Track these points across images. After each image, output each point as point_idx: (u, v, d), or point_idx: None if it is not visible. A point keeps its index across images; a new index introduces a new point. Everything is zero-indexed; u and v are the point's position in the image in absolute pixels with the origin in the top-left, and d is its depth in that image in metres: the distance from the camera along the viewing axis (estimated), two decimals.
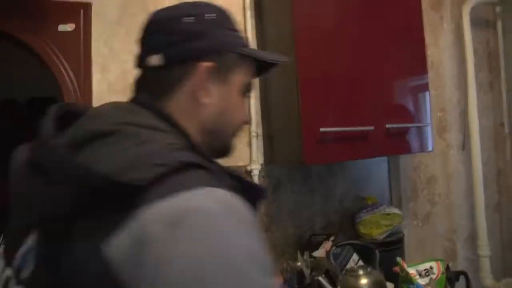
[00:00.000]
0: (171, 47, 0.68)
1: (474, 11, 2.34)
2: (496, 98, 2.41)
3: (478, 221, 2.23)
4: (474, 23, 2.38)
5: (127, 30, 1.57)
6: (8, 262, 0.55)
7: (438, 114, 2.24)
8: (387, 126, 1.61)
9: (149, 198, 0.46)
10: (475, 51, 2.39)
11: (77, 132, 0.58)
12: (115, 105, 0.66)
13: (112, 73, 1.55)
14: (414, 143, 1.79)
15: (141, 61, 0.71)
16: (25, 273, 0.51)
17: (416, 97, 1.80)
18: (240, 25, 1.69)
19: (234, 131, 0.76)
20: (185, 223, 0.44)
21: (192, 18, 0.69)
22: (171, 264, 0.42)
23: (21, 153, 0.62)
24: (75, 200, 0.49)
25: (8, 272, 0.54)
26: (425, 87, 1.81)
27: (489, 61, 2.45)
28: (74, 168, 0.49)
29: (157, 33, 0.70)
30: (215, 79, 0.69)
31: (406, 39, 1.75)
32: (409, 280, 1.55)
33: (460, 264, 2.28)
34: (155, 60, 0.68)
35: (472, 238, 2.28)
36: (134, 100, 0.68)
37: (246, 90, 0.76)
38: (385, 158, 2.07)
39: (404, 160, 2.11)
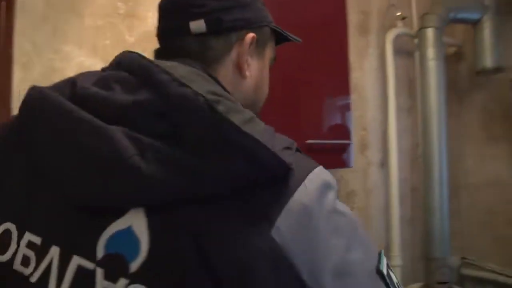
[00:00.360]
0: (219, 13, 0.63)
1: (396, 40, 2.50)
2: (414, 121, 2.57)
3: (393, 233, 2.37)
4: (397, 51, 2.55)
5: (54, 26, 1.52)
6: (83, 253, 0.44)
7: (361, 133, 2.36)
8: (308, 142, 1.66)
9: (298, 179, 0.46)
10: (397, 77, 2.55)
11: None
12: (186, 69, 0.55)
13: (36, 72, 1.49)
14: (336, 159, 1.86)
15: (178, 28, 0.64)
16: (134, 267, 0.42)
17: (339, 116, 1.88)
18: None
19: (261, 106, 0.76)
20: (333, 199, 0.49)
21: None
22: (334, 235, 0.46)
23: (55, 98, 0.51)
24: (231, 178, 0.43)
25: (87, 263, 0.44)
26: (347, 107, 1.91)
27: (409, 87, 2.62)
28: (242, 136, 0.42)
29: None
30: (254, 52, 0.68)
31: (332, 62, 1.83)
32: None
33: None
34: (200, 26, 0.63)
35: (388, 249, 2.40)
36: (186, 63, 0.58)
37: (271, 65, 0.76)
38: None
39: None
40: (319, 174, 0.49)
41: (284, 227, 0.43)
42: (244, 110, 0.47)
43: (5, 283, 0.48)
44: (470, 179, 3.10)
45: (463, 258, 3.02)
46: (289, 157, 0.46)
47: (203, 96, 0.44)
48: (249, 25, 0.67)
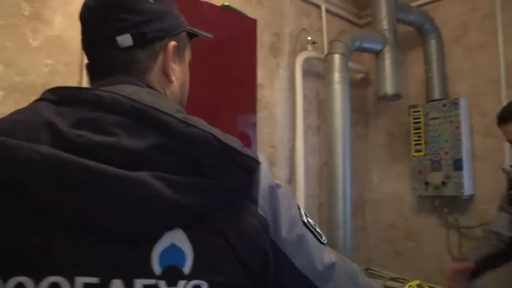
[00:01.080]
0: (141, 27, 0.67)
1: (307, 63, 2.60)
2: (322, 140, 2.67)
3: None
4: (308, 73, 2.65)
5: None
6: (142, 275, 0.54)
7: (269, 150, 2.40)
8: None
9: (259, 169, 0.63)
10: (306, 97, 2.65)
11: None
12: (140, 89, 0.64)
13: None
14: None
15: (105, 42, 0.67)
16: (186, 270, 0.55)
17: (246, 133, 1.90)
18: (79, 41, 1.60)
19: (185, 103, 0.82)
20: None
21: None
22: (283, 204, 0.64)
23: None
24: (238, 187, 0.59)
25: (148, 281, 0.54)
26: (254, 125, 1.93)
27: (318, 107, 2.73)
28: (240, 156, 0.58)
29: (126, 13, 0.67)
30: (176, 57, 0.74)
31: (241, 81, 1.86)
32: None
33: None
34: (126, 40, 0.66)
35: None
36: (129, 82, 0.65)
37: (189, 64, 0.82)
38: None
39: None
40: (262, 158, 0.65)
41: (262, 202, 0.61)
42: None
43: None
44: (375, 195, 3.28)
45: (367, 269, 3.18)
46: (251, 152, 0.61)
47: (209, 133, 0.56)
48: (169, 34, 0.72)
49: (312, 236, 0.68)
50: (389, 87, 2.61)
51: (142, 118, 0.55)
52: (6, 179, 0.52)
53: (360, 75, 3.19)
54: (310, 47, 2.56)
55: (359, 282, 0.74)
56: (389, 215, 3.19)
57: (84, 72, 1.66)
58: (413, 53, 3.08)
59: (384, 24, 2.64)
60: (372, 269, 3.20)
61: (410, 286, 1.61)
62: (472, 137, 2.77)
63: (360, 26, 3.26)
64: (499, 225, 1.79)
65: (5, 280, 0.51)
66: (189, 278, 0.56)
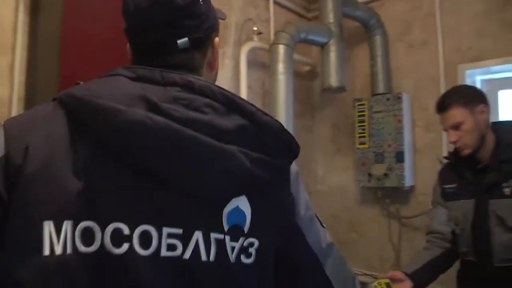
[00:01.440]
0: (197, 30, 0.75)
1: (252, 53, 2.58)
2: None
3: None
4: (253, 63, 2.63)
5: None
6: (216, 230, 0.66)
7: None
8: None
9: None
10: (251, 88, 2.63)
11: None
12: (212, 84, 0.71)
13: None
14: None
15: (167, 45, 0.73)
16: (245, 229, 0.69)
17: None
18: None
19: None
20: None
21: None
22: (301, 188, 0.80)
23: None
24: (289, 167, 0.77)
25: (219, 236, 0.67)
26: None
27: (263, 98, 2.72)
28: (295, 143, 0.73)
29: (185, 18, 0.73)
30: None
31: None
32: None
33: None
34: (185, 43, 0.73)
35: None
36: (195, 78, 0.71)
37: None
38: None
39: None
40: None
41: (292, 183, 0.77)
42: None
43: (152, 268, 0.61)
44: (319, 187, 3.32)
45: None
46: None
47: (278, 122, 0.70)
48: (214, 30, 0.80)
49: (317, 219, 0.83)
50: (333, 80, 2.64)
51: (230, 103, 0.67)
52: (118, 140, 0.61)
53: (307, 68, 3.21)
54: (255, 38, 2.55)
55: (347, 262, 0.88)
56: (334, 206, 3.24)
57: (18, 51, 1.58)
58: (359, 48, 3.14)
59: (330, 17, 2.67)
60: None
61: (379, 282, 1.62)
62: (413, 130, 2.86)
63: (309, 19, 3.27)
64: (439, 222, 1.82)
65: (105, 226, 0.60)
66: (246, 235, 0.68)
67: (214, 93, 0.66)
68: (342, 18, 2.74)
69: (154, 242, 0.61)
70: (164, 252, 0.62)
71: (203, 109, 0.65)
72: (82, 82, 0.68)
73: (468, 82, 2.62)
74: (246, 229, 0.68)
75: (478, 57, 2.63)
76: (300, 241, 0.77)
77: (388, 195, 2.91)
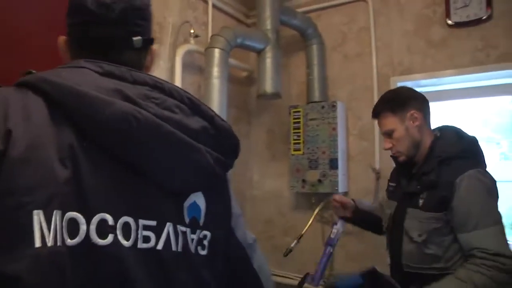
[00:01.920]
0: (148, 32, 0.81)
1: (189, 56, 2.54)
2: None
3: None
4: (189, 66, 2.59)
5: None
6: (180, 223, 0.73)
7: None
8: None
9: None
10: (187, 91, 2.58)
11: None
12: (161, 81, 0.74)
13: None
14: None
15: (123, 41, 0.76)
16: (201, 222, 0.77)
17: None
18: None
19: None
20: None
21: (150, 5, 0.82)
22: (231, 186, 0.89)
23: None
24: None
25: (183, 228, 0.73)
26: None
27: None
28: (238, 143, 0.83)
29: (142, 19, 0.79)
30: None
31: None
32: None
33: None
34: (139, 42, 0.77)
35: None
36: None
37: None
38: None
39: None
40: None
41: (229, 181, 0.84)
42: None
43: (133, 259, 0.63)
44: (254, 192, 3.31)
45: None
46: None
47: (230, 126, 0.78)
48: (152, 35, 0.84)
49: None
50: (268, 86, 2.65)
51: (194, 106, 0.73)
52: (105, 130, 0.62)
53: (244, 73, 3.22)
54: (192, 40, 2.51)
55: (264, 259, 0.93)
56: (268, 211, 3.25)
57: None
58: (296, 56, 3.18)
59: (268, 24, 2.68)
60: None
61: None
62: (347, 138, 2.92)
63: (247, 25, 3.28)
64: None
65: (91, 217, 0.60)
66: (201, 228, 0.74)
67: (181, 96, 0.72)
68: (279, 26, 2.76)
69: (133, 234, 0.63)
70: (140, 244, 0.64)
71: (173, 109, 0.69)
72: (34, 71, 0.67)
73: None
74: (201, 222, 0.74)
75: (408, 71, 2.75)
76: (232, 235, 0.83)
77: (322, 201, 2.93)
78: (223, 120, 0.77)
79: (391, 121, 1.65)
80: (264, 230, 3.24)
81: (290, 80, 3.19)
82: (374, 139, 2.82)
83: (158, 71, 2.38)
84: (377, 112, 1.72)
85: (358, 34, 2.95)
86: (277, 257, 3.16)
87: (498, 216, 1.45)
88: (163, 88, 0.71)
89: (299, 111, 2.90)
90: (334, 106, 2.77)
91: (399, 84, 2.72)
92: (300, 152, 2.88)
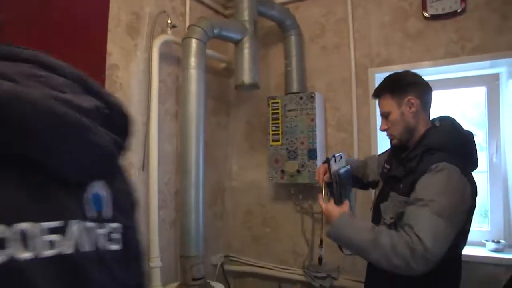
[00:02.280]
0: None
1: (166, 46, 2.53)
2: (180, 126, 2.62)
3: (152, 236, 2.35)
4: (167, 57, 2.58)
5: None
6: (85, 218, 0.62)
7: None
8: None
9: None
10: (165, 82, 2.58)
11: None
12: None
13: None
14: None
15: None
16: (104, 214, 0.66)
17: None
18: None
19: None
20: None
21: None
22: None
23: None
24: None
25: (91, 224, 0.62)
26: None
27: (177, 93, 2.67)
28: (131, 123, 0.73)
29: None
30: None
31: (89, 59, 1.71)
32: None
33: None
34: None
35: (148, 251, 2.37)
36: None
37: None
38: None
39: None
40: None
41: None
42: None
43: (37, 273, 0.52)
44: (234, 183, 3.32)
45: (226, 255, 3.21)
46: None
47: (124, 105, 0.69)
48: None
49: None
50: (246, 77, 2.65)
51: (84, 84, 0.64)
52: None
53: (222, 65, 3.21)
54: (169, 31, 2.49)
55: None
56: (248, 202, 3.27)
57: None
58: (275, 48, 3.19)
59: (245, 15, 2.67)
60: (231, 256, 3.25)
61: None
62: (326, 129, 2.95)
63: (225, 16, 3.28)
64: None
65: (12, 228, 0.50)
66: (109, 221, 0.65)
67: (70, 73, 0.63)
68: (257, 16, 2.75)
69: (33, 242, 0.52)
70: (45, 252, 0.53)
71: (62, 88, 0.59)
72: None
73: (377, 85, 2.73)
74: (107, 214, 0.65)
75: (386, 62, 2.78)
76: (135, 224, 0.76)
77: (301, 191, 2.98)
78: (114, 97, 0.69)
79: (389, 104, 1.68)
80: (244, 221, 3.27)
81: (269, 71, 3.19)
82: (352, 130, 2.85)
83: (135, 62, 2.35)
84: (378, 93, 1.75)
85: (336, 25, 2.96)
86: (256, 247, 3.19)
87: (449, 215, 1.41)
88: (47, 64, 0.61)
89: (277, 102, 2.91)
90: (312, 97, 2.79)
91: (377, 76, 2.78)
92: (279, 143, 2.89)
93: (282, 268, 3.05)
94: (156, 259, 2.35)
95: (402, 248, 1.36)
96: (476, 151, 1.64)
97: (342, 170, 1.78)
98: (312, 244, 2.97)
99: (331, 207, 1.63)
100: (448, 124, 1.66)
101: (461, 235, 1.52)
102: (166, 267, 2.51)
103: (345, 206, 1.64)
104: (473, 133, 1.66)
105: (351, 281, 2.76)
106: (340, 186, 1.70)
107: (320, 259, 2.08)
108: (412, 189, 1.51)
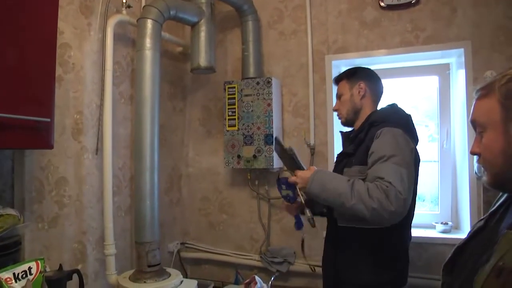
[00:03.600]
0: None
1: (121, 27, 2.49)
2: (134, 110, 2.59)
3: (106, 222, 2.33)
4: (122, 38, 2.54)
5: None
6: None
7: (75, 116, 2.23)
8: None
9: None
10: (120, 64, 2.54)
11: None
12: None
13: None
14: (32, 138, 1.61)
15: None
16: None
17: (40, 93, 1.65)
18: None
19: None
20: None
21: None
22: None
23: None
24: None
25: None
26: (50, 84, 1.70)
27: (132, 75, 2.64)
28: None
29: None
30: None
31: (39, 35, 1.64)
32: (2, 286, 1.41)
33: (90, 265, 2.32)
34: None
35: (103, 238, 2.36)
36: None
37: None
38: (8, 155, 1.91)
39: (31, 159, 1.99)
40: None
41: None
42: None
43: None
44: (190, 169, 3.33)
45: (183, 243, 3.22)
46: None
47: None
48: None
49: None
50: (202, 59, 2.66)
51: None
52: None
53: (179, 49, 3.19)
54: (124, 11, 2.45)
55: None
56: (204, 188, 3.29)
57: None
58: (232, 32, 3.20)
59: None
60: (188, 243, 3.27)
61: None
62: (282, 114, 3.00)
63: None
64: None
65: None
66: None
67: None
68: (214, 0, 2.76)
69: None
70: None
71: None
72: None
73: (334, 72, 2.83)
74: None
75: (343, 50, 2.87)
76: None
77: (258, 177, 3.03)
78: None
79: (343, 86, 1.96)
80: (201, 208, 3.28)
81: (226, 56, 3.20)
82: (309, 116, 2.92)
83: (89, 42, 2.30)
84: (337, 79, 2.02)
85: (294, 11, 3.01)
86: (213, 234, 3.22)
87: (406, 166, 1.57)
88: None
89: (234, 87, 2.93)
90: (269, 82, 2.83)
91: (334, 62, 2.88)
92: (235, 128, 2.92)
93: (239, 254, 3.10)
94: (110, 247, 2.33)
95: (376, 192, 1.47)
96: (414, 128, 1.84)
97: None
98: (269, 230, 3.03)
99: (301, 172, 1.71)
100: (389, 107, 1.91)
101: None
102: (121, 254, 2.50)
103: (312, 168, 1.71)
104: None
105: (307, 266, 2.85)
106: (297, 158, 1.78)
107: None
108: (366, 156, 1.68)
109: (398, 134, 1.66)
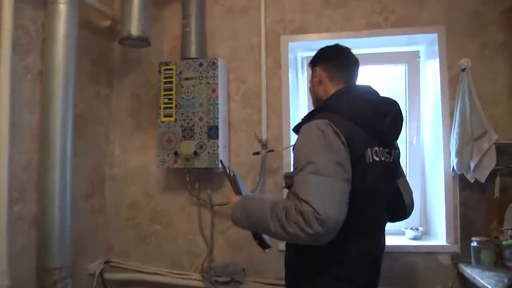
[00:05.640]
0: None
1: None
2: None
3: None
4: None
5: None
6: None
7: None
8: None
9: None
10: (25, 28, 2.16)
11: None
12: None
13: None
14: None
15: None
16: None
17: None
18: None
19: None
20: None
21: None
22: None
23: None
24: None
25: None
26: None
27: (42, 46, 2.20)
28: None
29: None
30: None
31: None
32: None
33: None
34: None
35: None
36: None
37: None
38: None
39: None
40: None
41: None
42: None
43: None
44: (115, 170, 2.99)
45: (107, 261, 2.87)
46: None
47: None
48: None
49: None
50: (134, 28, 2.37)
51: None
52: None
53: (106, 22, 2.81)
54: None
55: None
56: (133, 193, 2.98)
57: None
58: (171, 7, 2.95)
59: None
60: (113, 261, 2.89)
61: None
62: (228, 104, 2.80)
63: None
64: None
65: None
66: None
67: None
68: None
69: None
70: None
71: None
72: None
73: (291, 57, 2.75)
74: None
75: (301, 30, 2.76)
76: None
77: (198, 178, 2.76)
78: None
79: (310, 74, 1.88)
80: (128, 217, 2.95)
81: (162, 34, 2.94)
82: (261, 106, 2.72)
83: None
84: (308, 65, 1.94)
85: None
86: (144, 249, 2.92)
87: (324, 169, 1.41)
88: None
89: (171, 69, 2.63)
90: (214, 64, 2.57)
91: (291, 45, 2.78)
92: (172, 119, 2.61)
93: (176, 273, 2.82)
94: (2, 274, 1.83)
95: (293, 215, 1.38)
96: (374, 116, 1.59)
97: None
98: (212, 243, 2.75)
99: (233, 197, 1.71)
100: (344, 89, 1.70)
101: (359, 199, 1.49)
102: (20, 285, 2.02)
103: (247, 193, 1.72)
104: (395, 102, 1.68)
105: (260, 284, 2.64)
106: (236, 181, 1.78)
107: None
108: None
109: (313, 127, 1.49)
